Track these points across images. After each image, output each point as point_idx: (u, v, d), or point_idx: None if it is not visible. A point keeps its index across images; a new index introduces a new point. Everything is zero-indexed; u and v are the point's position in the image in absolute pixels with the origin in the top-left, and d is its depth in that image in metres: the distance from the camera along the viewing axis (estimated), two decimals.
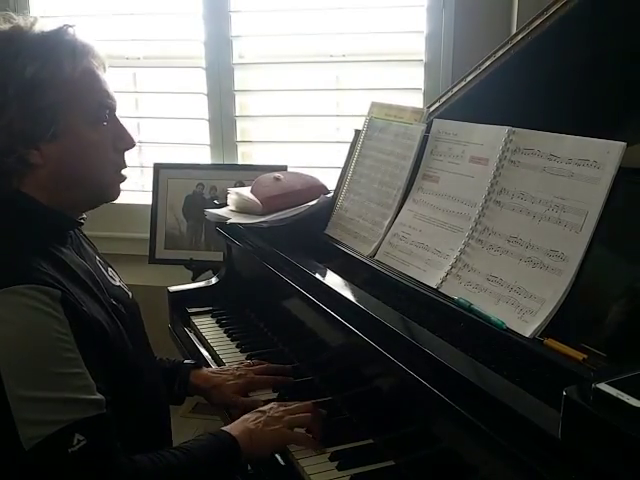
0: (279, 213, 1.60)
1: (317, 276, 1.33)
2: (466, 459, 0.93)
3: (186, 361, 1.44)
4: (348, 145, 1.65)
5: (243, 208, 1.66)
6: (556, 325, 1.01)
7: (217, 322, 1.71)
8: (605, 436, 0.68)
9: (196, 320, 1.73)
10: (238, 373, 1.38)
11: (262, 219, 1.58)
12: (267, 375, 1.38)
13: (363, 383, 1.20)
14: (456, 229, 1.24)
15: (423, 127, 1.43)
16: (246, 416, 1.17)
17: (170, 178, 2.43)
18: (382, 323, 1.09)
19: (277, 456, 1.14)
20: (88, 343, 0.99)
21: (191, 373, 1.39)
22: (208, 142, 2.53)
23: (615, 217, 1.00)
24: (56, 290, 0.96)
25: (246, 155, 2.56)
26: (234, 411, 1.31)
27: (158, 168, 2.43)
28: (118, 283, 1.24)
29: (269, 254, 1.50)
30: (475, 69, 1.43)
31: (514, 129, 1.21)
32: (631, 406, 0.67)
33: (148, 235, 2.43)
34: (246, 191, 1.68)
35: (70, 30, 1.07)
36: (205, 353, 1.57)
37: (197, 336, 1.66)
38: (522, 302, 1.06)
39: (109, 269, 1.25)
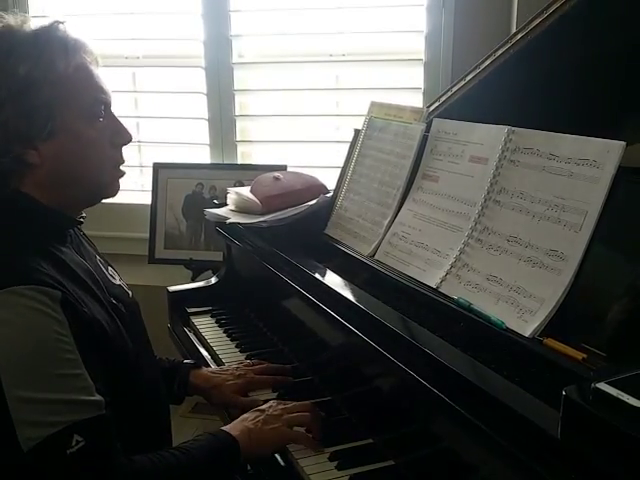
0: (279, 213, 1.60)
1: (317, 276, 1.33)
2: (466, 459, 0.93)
3: (186, 361, 1.44)
4: (348, 145, 1.65)
5: (243, 208, 1.66)
6: (556, 325, 1.01)
7: (217, 322, 1.71)
8: (605, 436, 0.68)
9: (195, 320, 1.73)
10: (238, 373, 1.38)
11: (262, 219, 1.58)
12: (267, 375, 1.38)
13: (363, 383, 1.20)
14: (456, 229, 1.24)
15: (423, 127, 1.43)
16: (245, 415, 1.17)
17: (170, 178, 2.42)
18: (382, 323, 1.09)
19: (277, 456, 1.14)
20: (88, 344, 0.99)
21: (191, 373, 1.39)
22: (208, 142, 2.53)
23: (615, 217, 1.00)
24: (56, 291, 0.96)
25: (246, 155, 2.56)
26: (234, 411, 1.31)
27: (157, 168, 2.43)
28: (118, 282, 1.24)
29: (269, 254, 1.50)
30: (475, 68, 1.43)
31: (514, 128, 1.20)
32: (631, 406, 0.67)
33: (147, 235, 2.43)
34: (246, 191, 1.68)
35: (61, 26, 1.06)
36: (205, 353, 1.57)
37: (196, 336, 1.66)
38: (522, 302, 1.06)
39: (109, 268, 1.25)
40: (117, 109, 1.14)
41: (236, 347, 1.57)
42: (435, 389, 0.92)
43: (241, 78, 2.47)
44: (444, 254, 1.24)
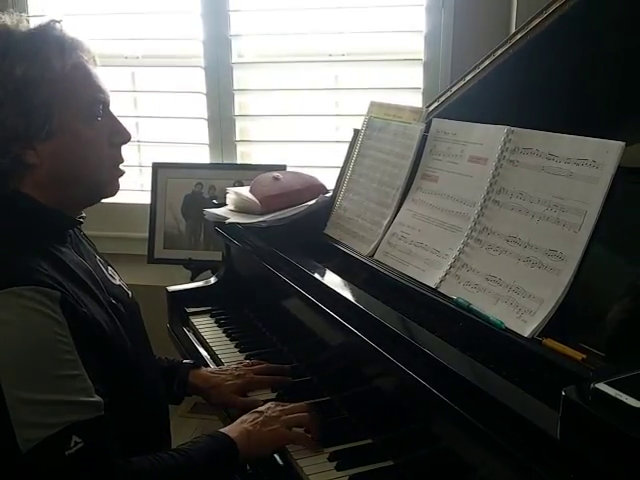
0: (278, 213, 1.60)
1: (316, 276, 1.33)
2: (465, 459, 0.93)
3: (185, 361, 1.44)
4: (347, 145, 1.65)
5: (242, 208, 1.66)
6: (555, 325, 1.01)
7: (216, 322, 1.71)
8: (604, 436, 0.68)
9: (195, 320, 1.72)
10: (237, 373, 1.38)
11: (261, 219, 1.58)
12: (266, 375, 1.38)
13: (362, 383, 1.20)
14: (455, 229, 1.24)
15: (422, 127, 1.43)
16: (243, 417, 1.17)
17: (169, 178, 2.42)
18: (381, 323, 1.09)
19: (276, 456, 1.14)
20: (87, 344, 0.98)
21: (190, 373, 1.39)
22: (207, 141, 2.53)
23: (614, 217, 1.00)
24: (55, 291, 0.96)
25: (245, 154, 2.56)
26: (233, 411, 1.31)
27: (157, 168, 2.43)
28: (118, 282, 1.24)
29: (268, 254, 1.50)
30: (474, 69, 1.43)
31: (513, 129, 1.20)
32: (630, 406, 0.67)
33: (147, 235, 2.43)
34: (245, 191, 1.68)
35: (57, 25, 1.06)
36: (204, 353, 1.56)
37: (196, 336, 1.66)
38: (521, 302, 1.06)
39: (109, 268, 1.25)
40: (116, 109, 1.13)
41: (235, 347, 1.56)
42: (434, 389, 0.92)
43: (240, 78, 2.47)
44: (443, 254, 1.24)
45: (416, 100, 2.26)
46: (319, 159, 2.41)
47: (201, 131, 2.53)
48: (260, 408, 1.19)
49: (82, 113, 1.06)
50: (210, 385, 1.37)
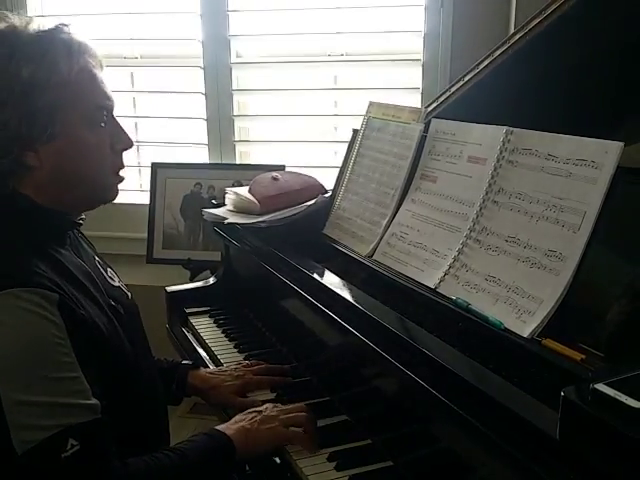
0: (277, 213, 1.60)
1: (315, 276, 1.33)
2: (464, 459, 0.93)
3: (184, 361, 1.44)
4: (346, 145, 1.65)
5: (241, 208, 1.65)
6: (554, 325, 1.01)
7: (215, 322, 1.71)
8: (603, 436, 0.68)
9: (194, 320, 1.72)
10: (236, 374, 1.38)
11: (260, 219, 1.58)
12: (265, 375, 1.38)
13: (361, 383, 1.20)
14: (454, 229, 1.24)
15: (421, 127, 1.43)
16: (241, 416, 1.17)
17: (168, 178, 2.42)
18: (380, 323, 1.09)
19: (276, 459, 1.14)
20: (85, 347, 0.98)
21: (189, 374, 1.39)
22: (206, 142, 2.52)
23: (613, 217, 1.00)
24: (53, 293, 0.96)
25: (244, 155, 2.56)
26: (232, 411, 1.31)
27: (156, 168, 2.43)
28: (117, 284, 1.24)
29: (267, 254, 1.50)
30: (473, 69, 1.43)
31: (512, 129, 1.20)
32: (629, 406, 0.67)
33: (146, 235, 2.43)
34: (244, 191, 1.67)
35: (66, 29, 1.06)
36: (203, 353, 1.56)
37: (195, 336, 1.66)
38: (520, 302, 1.06)
39: (108, 269, 1.25)
40: (116, 109, 1.13)
41: (234, 347, 1.56)
42: (433, 389, 0.92)
43: (239, 78, 2.47)
44: (442, 254, 1.24)
45: (415, 100, 2.25)
46: (318, 159, 2.41)
47: (200, 131, 2.53)
48: (258, 408, 1.20)
49: (86, 118, 1.06)
50: (209, 386, 1.36)
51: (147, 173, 2.44)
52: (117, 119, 1.13)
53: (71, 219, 1.13)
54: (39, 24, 1.05)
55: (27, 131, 1.01)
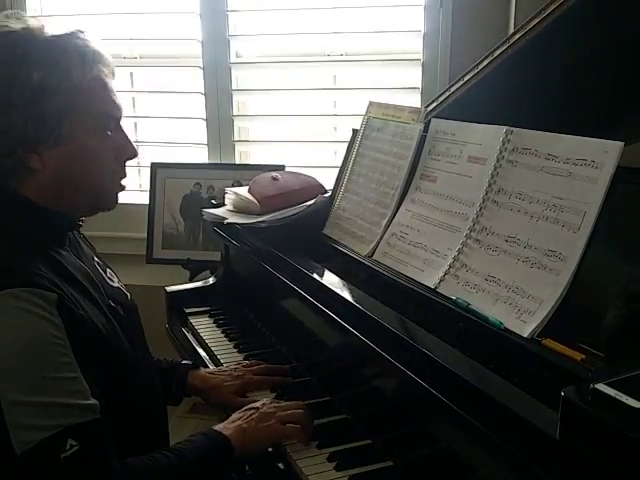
0: (277, 213, 1.60)
1: (315, 276, 1.33)
2: (464, 459, 0.93)
3: (184, 361, 1.44)
4: (346, 145, 1.65)
5: (241, 208, 1.65)
6: (554, 325, 1.01)
7: (215, 322, 1.70)
8: (603, 436, 0.68)
9: (193, 320, 1.72)
10: (236, 374, 1.38)
11: (260, 219, 1.58)
12: (265, 375, 1.38)
13: (361, 383, 1.20)
14: (454, 229, 1.24)
15: (421, 127, 1.43)
16: (238, 414, 1.17)
17: (167, 178, 2.42)
18: (380, 323, 1.09)
19: (275, 457, 1.13)
20: (84, 347, 0.98)
21: (189, 374, 1.39)
22: (205, 142, 2.52)
23: (613, 217, 1.00)
24: (52, 294, 0.96)
25: (244, 155, 2.56)
26: (232, 412, 1.31)
27: (155, 168, 2.42)
28: (117, 284, 1.24)
29: (267, 254, 1.50)
30: (473, 69, 1.43)
31: (512, 129, 1.20)
32: (629, 406, 0.67)
33: (145, 235, 2.43)
34: (244, 191, 1.67)
35: (82, 35, 1.06)
36: (203, 353, 1.56)
37: (194, 336, 1.66)
38: (520, 302, 1.06)
39: (108, 270, 1.25)
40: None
41: (234, 347, 1.56)
42: (433, 389, 0.92)
43: (239, 78, 2.47)
44: (442, 254, 1.24)
45: (415, 100, 2.25)
46: (318, 159, 2.41)
47: (199, 131, 2.53)
48: (255, 405, 1.20)
49: (93, 126, 1.06)
50: (209, 386, 1.36)
51: (147, 173, 2.44)
52: (124, 129, 1.13)
53: (71, 220, 1.13)
54: (55, 28, 1.04)
55: (33, 133, 1.01)
